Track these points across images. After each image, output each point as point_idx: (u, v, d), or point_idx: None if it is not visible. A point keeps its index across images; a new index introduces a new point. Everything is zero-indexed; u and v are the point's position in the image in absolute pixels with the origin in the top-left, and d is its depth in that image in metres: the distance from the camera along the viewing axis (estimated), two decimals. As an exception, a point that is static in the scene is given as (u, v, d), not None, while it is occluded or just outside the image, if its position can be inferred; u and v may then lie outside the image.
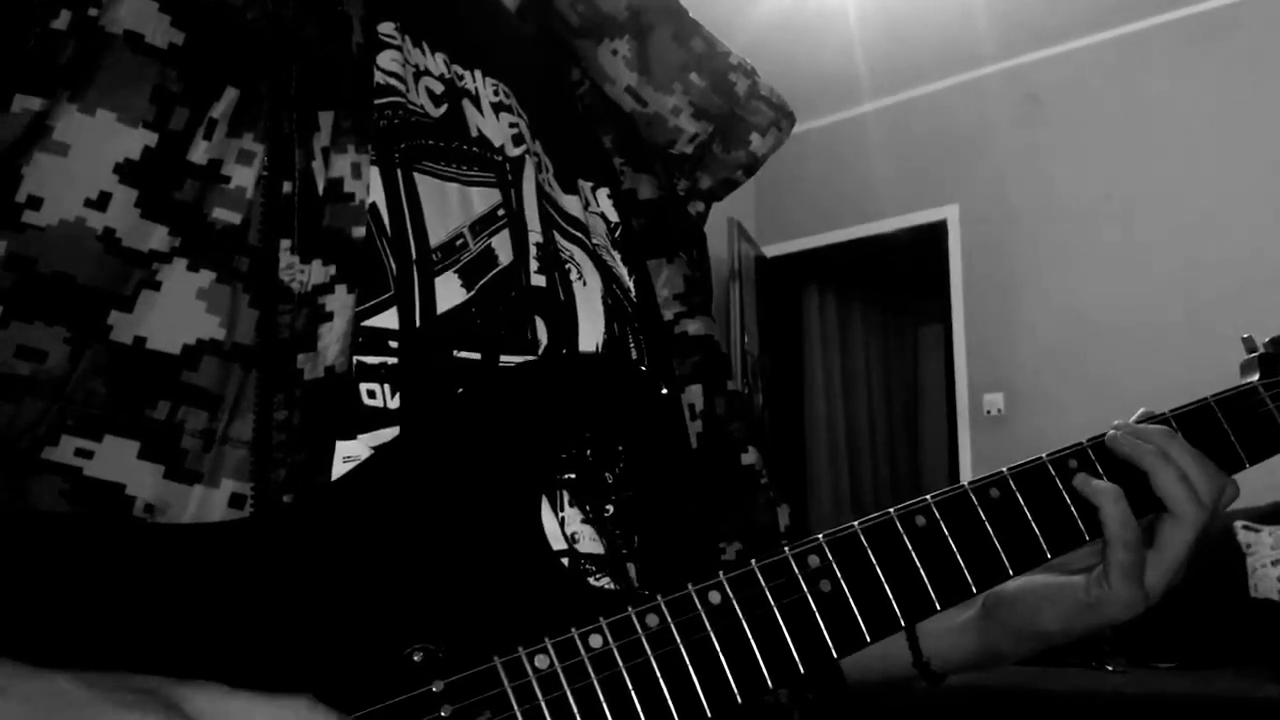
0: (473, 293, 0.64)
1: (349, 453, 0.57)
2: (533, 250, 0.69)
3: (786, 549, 0.61)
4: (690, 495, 0.76)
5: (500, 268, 0.66)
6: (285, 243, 0.56)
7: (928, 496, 0.66)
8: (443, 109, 0.69)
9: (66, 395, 0.50)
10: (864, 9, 4.69)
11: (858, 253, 5.83)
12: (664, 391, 0.76)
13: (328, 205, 0.57)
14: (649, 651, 0.55)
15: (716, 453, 0.79)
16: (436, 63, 0.71)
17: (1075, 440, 0.74)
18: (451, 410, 0.59)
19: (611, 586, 0.65)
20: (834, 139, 5.67)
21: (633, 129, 0.85)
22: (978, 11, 4.73)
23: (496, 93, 0.74)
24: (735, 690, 0.56)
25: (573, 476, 0.66)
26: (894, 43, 4.95)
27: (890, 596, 0.62)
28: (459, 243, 0.65)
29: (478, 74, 0.74)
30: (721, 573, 0.58)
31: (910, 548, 0.64)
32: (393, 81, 0.66)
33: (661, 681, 0.54)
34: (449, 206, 0.66)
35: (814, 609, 0.60)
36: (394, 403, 0.60)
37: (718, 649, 0.56)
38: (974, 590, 0.65)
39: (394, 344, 0.60)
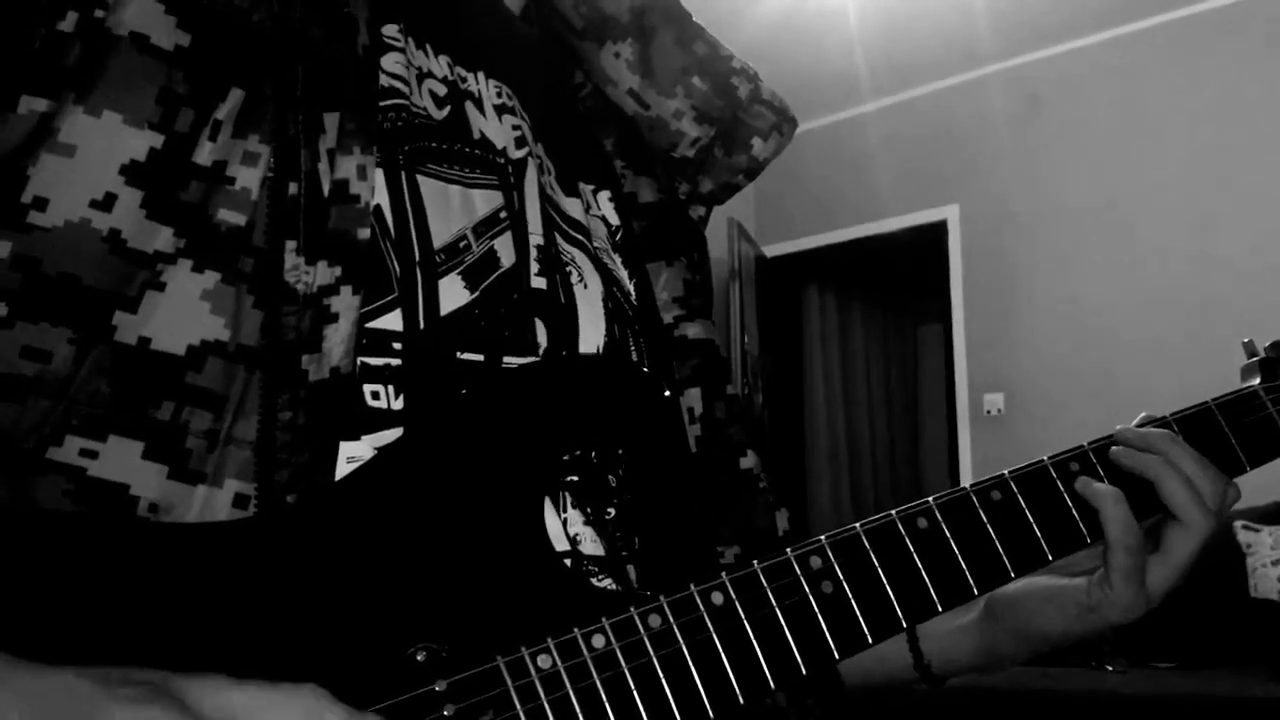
0: (476, 294, 0.64)
1: (353, 453, 0.57)
2: (534, 252, 0.70)
3: (789, 550, 0.61)
4: (690, 498, 0.76)
5: (503, 270, 0.67)
6: (290, 244, 0.56)
7: (929, 498, 0.67)
8: (445, 111, 0.69)
9: (71, 395, 0.50)
10: (864, 9, 4.69)
11: (858, 253, 5.83)
12: (666, 394, 0.76)
13: (333, 207, 0.57)
14: (651, 652, 0.55)
15: (715, 456, 0.79)
16: (440, 65, 0.71)
17: (1075, 440, 0.74)
18: (455, 411, 0.59)
19: (614, 588, 0.65)
20: (834, 139, 5.67)
21: (634, 132, 0.85)
22: (978, 11, 4.73)
23: (499, 95, 0.74)
24: (737, 691, 0.56)
25: (576, 478, 0.66)
26: (894, 43, 4.95)
27: (892, 597, 0.62)
28: (462, 244, 0.65)
29: (480, 76, 0.74)
30: (724, 573, 0.59)
31: (912, 549, 0.64)
32: (397, 84, 0.66)
33: (664, 682, 0.55)
34: (451, 208, 0.66)
35: (816, 610, 0.60)
36: (398, 404, 0.60)
37: (720, 650, 0.57)
38: (975, 592, 0.65)
39: (398, 345, 0.60)
